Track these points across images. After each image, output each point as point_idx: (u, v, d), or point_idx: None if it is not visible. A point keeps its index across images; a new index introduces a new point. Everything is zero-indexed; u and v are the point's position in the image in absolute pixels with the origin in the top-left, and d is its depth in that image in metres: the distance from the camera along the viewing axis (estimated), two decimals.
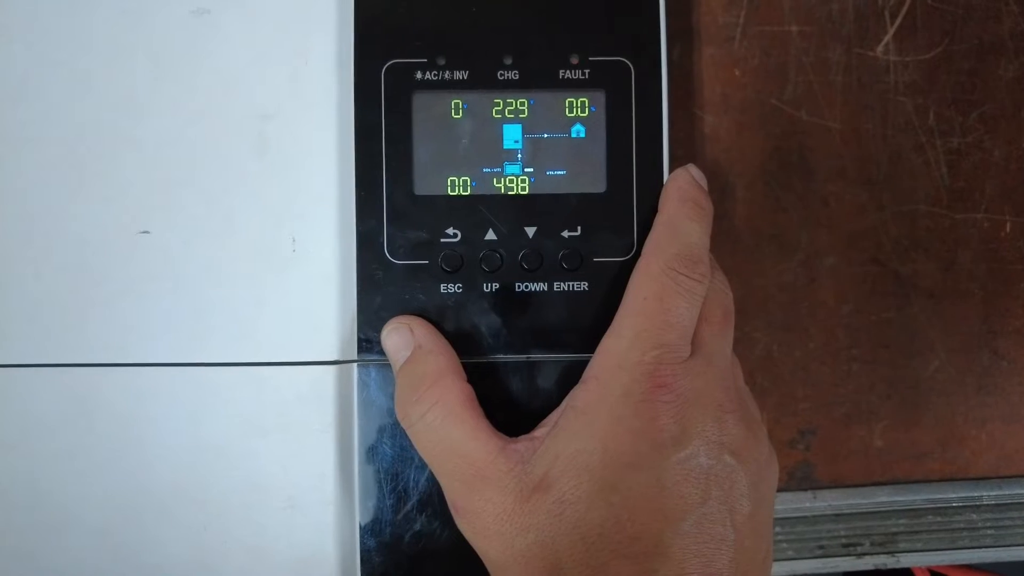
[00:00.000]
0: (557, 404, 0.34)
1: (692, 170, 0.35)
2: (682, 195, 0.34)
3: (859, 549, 0.44)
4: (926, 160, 0.42)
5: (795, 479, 0.44)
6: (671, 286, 0.32)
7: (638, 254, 0.34)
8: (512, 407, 0.35)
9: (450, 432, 0.31)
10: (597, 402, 0.31)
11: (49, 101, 0.35)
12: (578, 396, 0.32)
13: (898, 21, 0.42)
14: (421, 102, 0.34)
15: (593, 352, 0.33)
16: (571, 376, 0.33)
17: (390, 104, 0.34)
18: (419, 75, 0.34)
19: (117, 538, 0.35)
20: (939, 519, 0.44)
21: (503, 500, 0.30)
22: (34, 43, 0.35)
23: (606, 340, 0.32)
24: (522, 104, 0.35)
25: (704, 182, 0.35)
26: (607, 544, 0.29)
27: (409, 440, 0.33)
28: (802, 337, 0.43)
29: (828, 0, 0.42)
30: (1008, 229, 0.43)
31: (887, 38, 0.42)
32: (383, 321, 0.34)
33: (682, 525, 0.30)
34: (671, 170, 0.35)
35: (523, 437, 0.32)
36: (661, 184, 0.35)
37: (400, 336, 0.34)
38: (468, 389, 0.33)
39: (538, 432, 0.32)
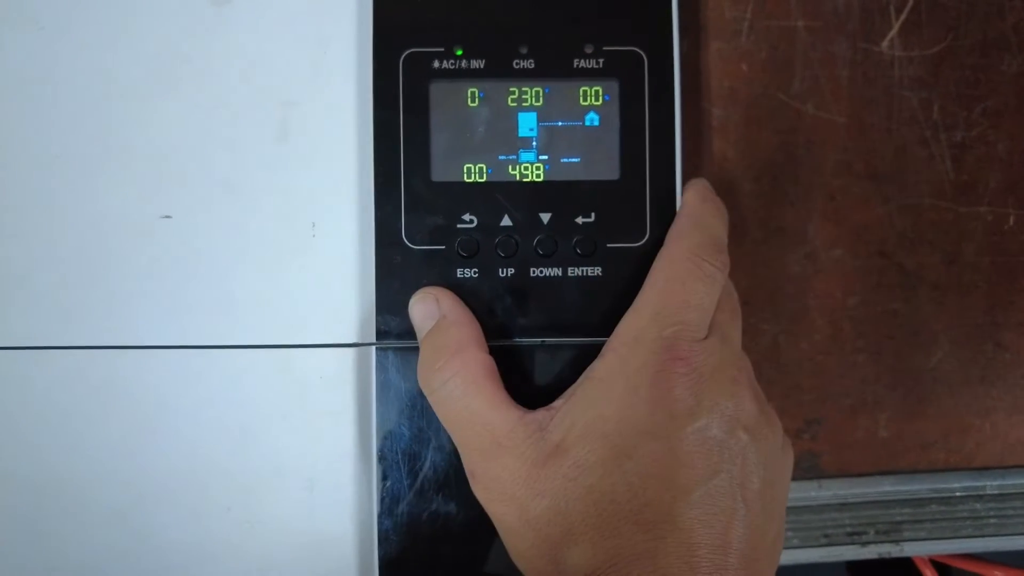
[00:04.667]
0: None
1: (706, 182, 0.36)
2: (703, 196, 0.35)
3: (864, 538, 0.45)
4: (931, 154, 0.43)
5: (801, 468, 0.44)
6: (694, 270, 0.33)
7: (651, 240, 0.35)
8: (526, 390, 0.35)
9: (470, 402, 0.32)
10: (615, 372, 0.32)
11: (73, 88, 0.35)
12: (596, 367, 0.33)
13: (903, 16, 0.42)
14: (438, 91, 0.35)
15: (607, 336, 0.33)
16: (584, 360, 0.34)
17: (408, 93, 0.35)
18: (436, 64, 0.35)
19: (139, 519, 0.35)
20: (943, 508, 0.45)
21: (520, 466, 0.31)
22: (58, 31, 0.36)
23: (626, 317, 0.33)
24: (537, 93, 0.35)
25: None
26: (619, 510, 0.30)
27: (426, 422, 0.34)
28: (808, 328, 0.43)
29: None
30: (1012, 222, 0.43)
31: (892, 33, 0.42)
32: (401, 305, 0.35)
33: (693, 495, 0.30)
34: (683, 159, 0.36)
35: (541, 408, 0.33)
36: (674, 171, 0.35)
37: (426, 306, 0.34)
38: (489, 360, 0.33)
39: (556, 403, 0.33)
